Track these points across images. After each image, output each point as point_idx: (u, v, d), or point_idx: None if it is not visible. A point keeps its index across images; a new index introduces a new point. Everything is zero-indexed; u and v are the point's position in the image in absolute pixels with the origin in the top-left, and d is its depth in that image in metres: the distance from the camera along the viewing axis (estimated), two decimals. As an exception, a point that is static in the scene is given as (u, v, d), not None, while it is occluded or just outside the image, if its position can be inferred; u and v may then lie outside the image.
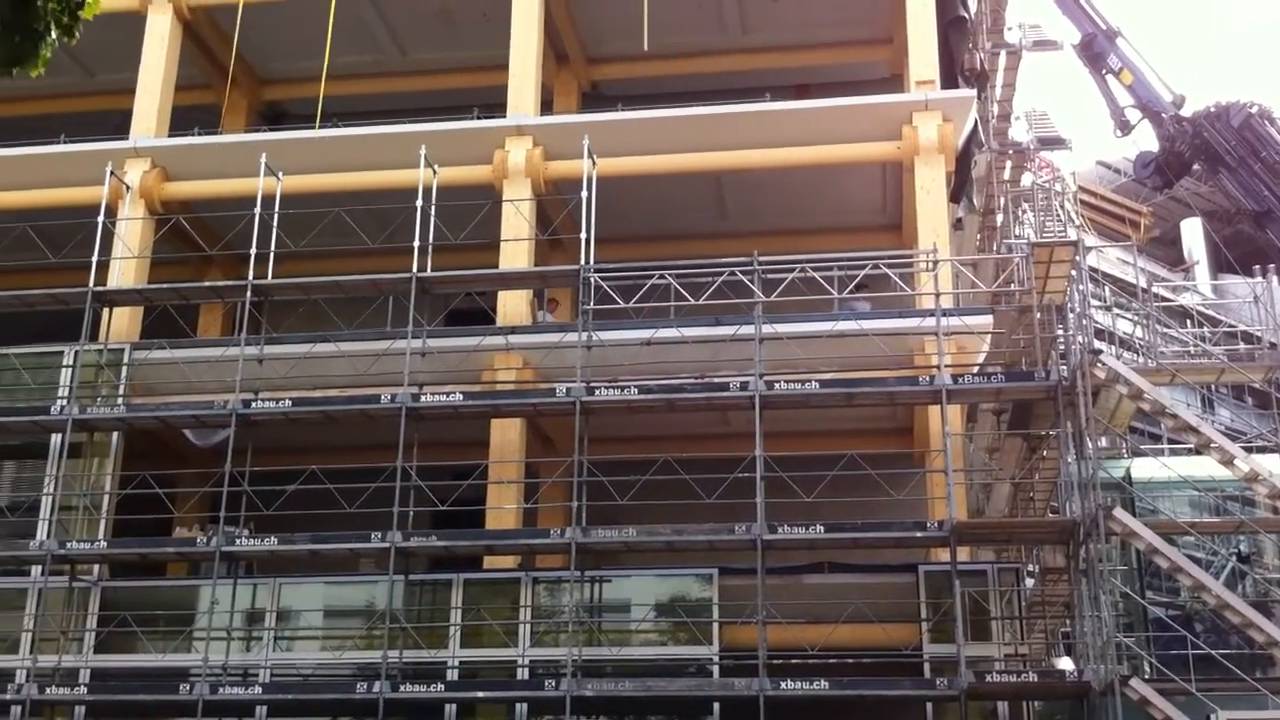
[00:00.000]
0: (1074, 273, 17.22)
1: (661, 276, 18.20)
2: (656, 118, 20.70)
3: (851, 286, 17.99)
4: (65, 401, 18.89)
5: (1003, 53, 25.64)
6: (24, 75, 7.87)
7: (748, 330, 17.61)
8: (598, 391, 17.51)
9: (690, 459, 17.54)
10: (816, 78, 24.39)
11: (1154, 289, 18.73)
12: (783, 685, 15.56)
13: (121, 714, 17.98)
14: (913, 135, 19.73)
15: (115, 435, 19.27)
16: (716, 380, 17.74)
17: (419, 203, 18.94)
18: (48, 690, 17.27)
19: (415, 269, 18.67)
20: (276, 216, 19.27)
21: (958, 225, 23.43)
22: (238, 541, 17.53)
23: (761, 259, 17.94)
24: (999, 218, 25.38)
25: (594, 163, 19.03)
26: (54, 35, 7.58)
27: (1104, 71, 41.80)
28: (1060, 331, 17.60)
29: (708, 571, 17.40)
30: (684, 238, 22.76)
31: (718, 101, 21.09)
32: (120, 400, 19.13)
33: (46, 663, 17.67)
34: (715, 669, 16.72)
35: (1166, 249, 45.94)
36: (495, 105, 21.71)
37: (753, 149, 20.38)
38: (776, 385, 17.09)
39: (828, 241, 21.61)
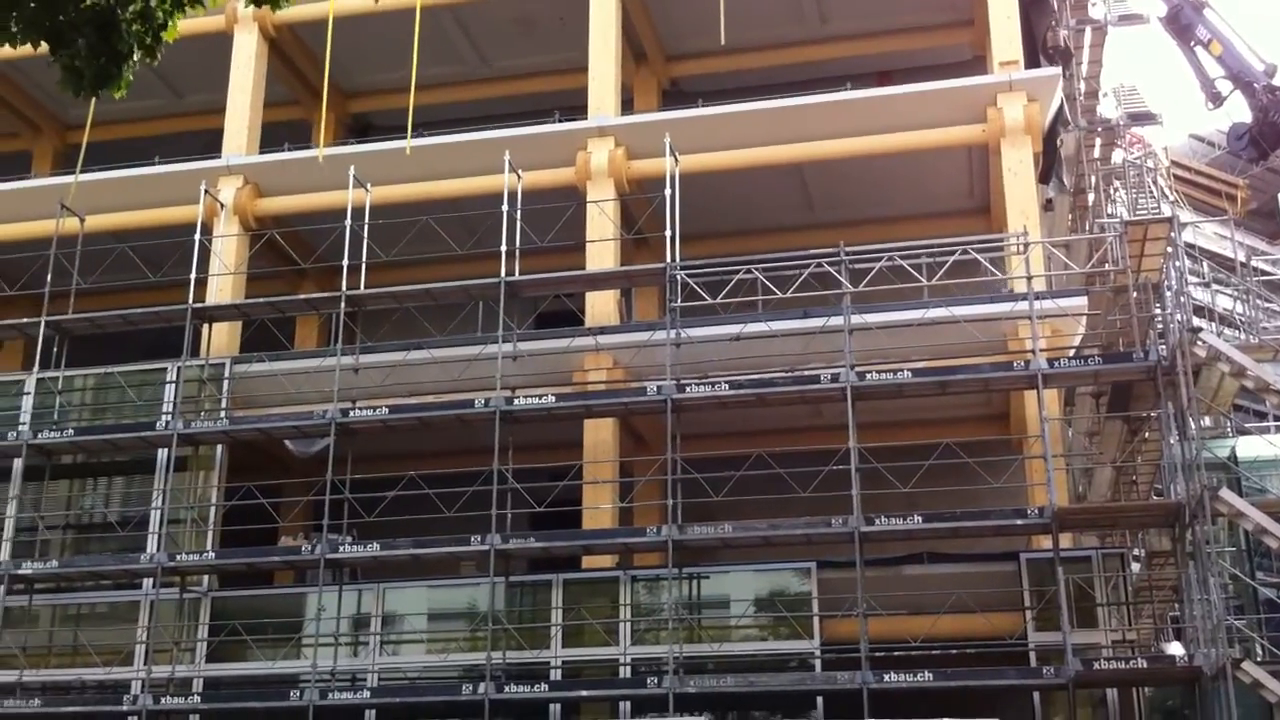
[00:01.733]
0: (1170, 250, 16.89)
1: (748, 271, 18.21)
2: (737, 112, 20.67)
3: (943, 275, 17.76)
4: (170, 417, 19.36)
5: (1087, 29, 25.11)
6: (117, 99, 8.05)
7: (837, 321, 17.52)
8: (688, 388, 17.54)
9: (784, 453, 17.53)
10: (898, 64, 24.17)
11: (1253, 262, 18.31)
12: (886, 678, 15.48)
13: (235, 720, 18.39)
14: (998, 117, 19.48)
15: (219, 448, 19.73)
16: (807, 373, 17.66)
17: (504, 208, 19.13)
18: (163, 700, 17.72)
19: (503, 273, 18.86)
20: (367, 227, 19.59)
21: (1048, 206, 23.08)
22: (341, 548, 17.85)
23: (848, 249, 17.84)
24: (1090, 197, 24.96)
25: (676, 160, 19.06)
26: (137, 57, 7.77)
27: (1192, 43, 40.83)
28: (1158, 310, 17.28)
29: (806, 565, 17.34)
30: (769, 231, 22.70)
31: (798, 93, 20.97)
32: (223, 413, 19.56)
33: (160, 673, 18.15)
34: (817, 663, 16.67)
35: (1264, 221, 44.76)
36: (576, 107, 21.84)
37: (836, 139, 20.28)
38: (868, 376, 16.99)
39: (915, 228, 21.40)
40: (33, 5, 7.37)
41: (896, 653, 16.02)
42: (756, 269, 18.15)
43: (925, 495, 16.77)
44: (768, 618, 17.45)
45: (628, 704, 16.79)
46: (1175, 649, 18.75)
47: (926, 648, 16.09)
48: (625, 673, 17.17)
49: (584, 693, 17.15)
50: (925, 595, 16.46)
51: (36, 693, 18.45)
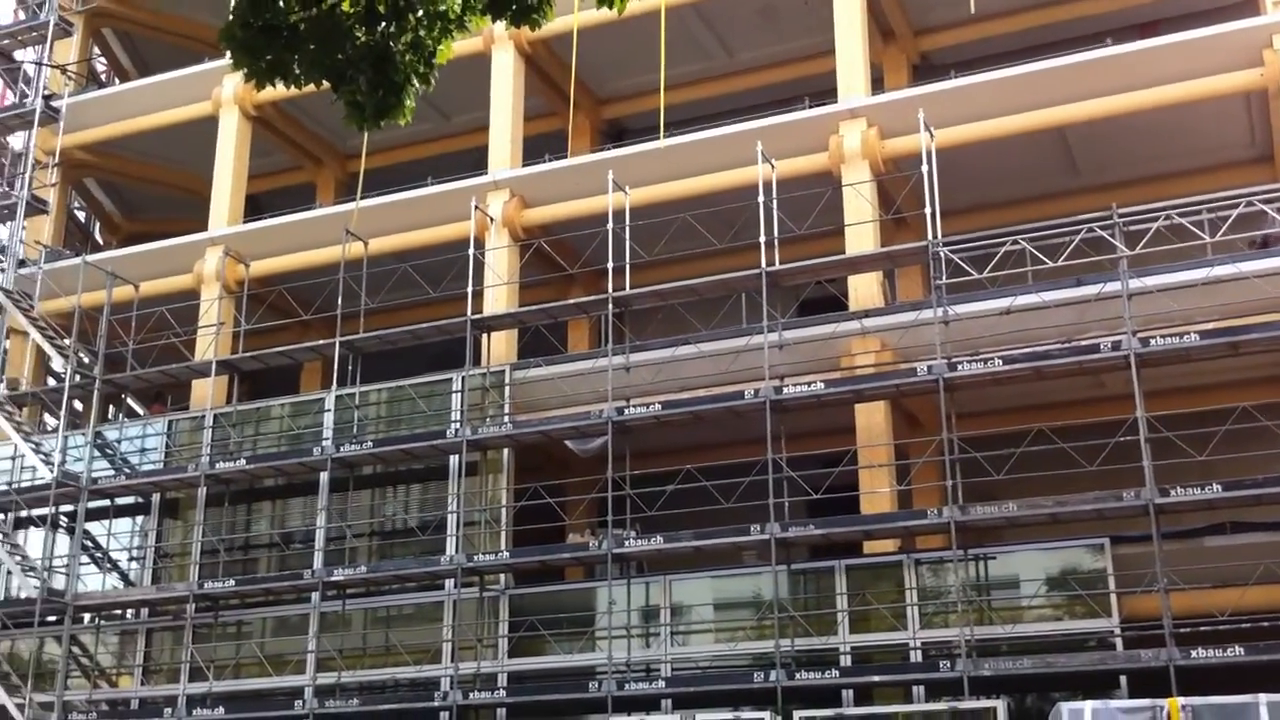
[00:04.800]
0: None
1: (1015, 242, 17.79)
2: (993, 80, 20.12)
3: (1226, 230, 16.85)
4: (458, 424, 20.33)
5: (1372, -48, 23.35)
6: (390, 127, 8.49)
7: (1114, 287, 16.93)
8: (960, 366, 17.27)
9: (1066, 426, 17.04)
10: (1160, 13, 23.00)
11: None
12: (1194, 654, 14.87)
13: (537, 713, 19.16)
14: (1276, 59, 18.36)
15: (506, 451, 20.57)
16: (1085, 343, 17.12)
17: (760, 198, 19.25)
18: (471, 695, 18.64)
19: (763, 264, 18.99)
20: (628, 229, 20.06)
21: (1340, 148, 21.55)
22: (626, 543, 18.37)
23: (1121, 211, 17.20)
24: (1387, 133, 23.16)
25: (932, 135, 18.76)
26: (415, 85, 8.17)
27: None
28: None
29: (1098, 541, 16.82)
30: (1034, 199, 22.02)
31: (1055, 54, 20.26)
32: (506, 418, 20.40)
33: (467, 669, 19.09)
34: (1118, 641, 16.14)
35: None
36: (826, 92, 21.72)
37: (1100, 98, 19.49)
38: (1152, 341, 16.33)
39: (1191, 184, 20.37)
40: (312, 47, 7.81)
41: (1203, 628, 15.36)
42: (1023, 239, 17.72)
43: (1223, 463, 15.99)
44: (1062, 597, 16.99)
45: (921, 688, 16.67)
46: None
47: (1235, 621, 15.36)
48: (916, 657, 17.05)
49: (876, 678, 17.10)
50: (1230, 567, 15.71)
51: (354, 693, 19.71)
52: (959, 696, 15.77)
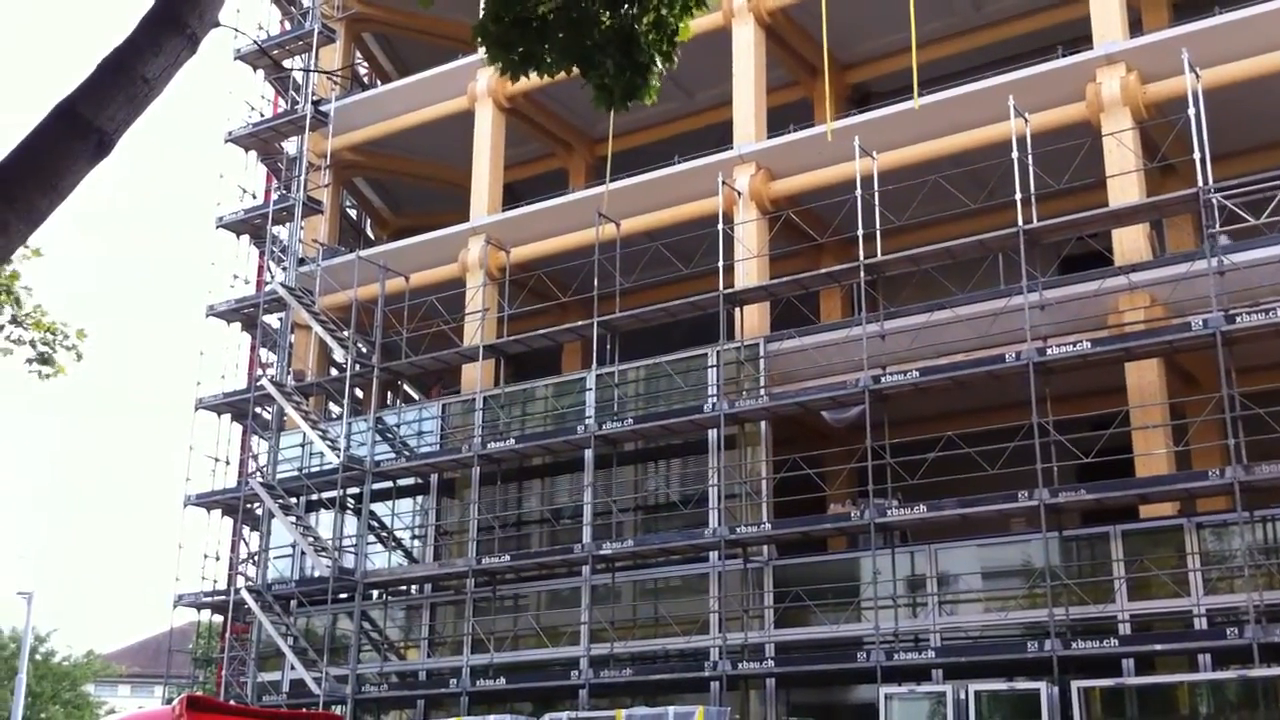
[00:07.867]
0: None
1: (1295, 183, 16.71)
2: (1264, 12, 18.88)
3: None
4: (715, 398, 20.54)
5: None
6: (636, 108, 8.67)
7: None
8: (1239, 318, 16.38)
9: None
10: None
11: None
12: None
13: (806, 683, 19.21)
14: None
15: (763, 424, 20.68)
16: (1380, 287, 15.96)
17: (1014, 154, 18.68)
18: (739, 665, 18.87)
19: (1020, 222, 18.44)
20: (877, 194, 19.80)
21: None
22: (889, 512, 18.20)
23: None
24: None
25: (1198, 76, 17.80)
26: (659, 64, 8.32)
27: None
28: None
29: (1402, 497, 15.69)
30: (1316, 137, 20.62)
31: (1334, -23, 18.85)
32: (762, 391, 20.49)
33: (735, 639, 19.32)
34: None
35: None
36: (1079, 39, 20.89)
37: (1386, 22, 18.08)
38: None
39: None
40: (561, 35, 8.04)
41: None
42: (1305, 179, 16.62)
43: None
44: (1362, 558, 15.94)
45: (1207, 656, 15.95)
46: None
47: None
48: (1200, 624, 16.31)
49: (1157, 646, 16.45)
50: None
51: (626, 663, 20.24)
52: (1248, 664, 15.01)
